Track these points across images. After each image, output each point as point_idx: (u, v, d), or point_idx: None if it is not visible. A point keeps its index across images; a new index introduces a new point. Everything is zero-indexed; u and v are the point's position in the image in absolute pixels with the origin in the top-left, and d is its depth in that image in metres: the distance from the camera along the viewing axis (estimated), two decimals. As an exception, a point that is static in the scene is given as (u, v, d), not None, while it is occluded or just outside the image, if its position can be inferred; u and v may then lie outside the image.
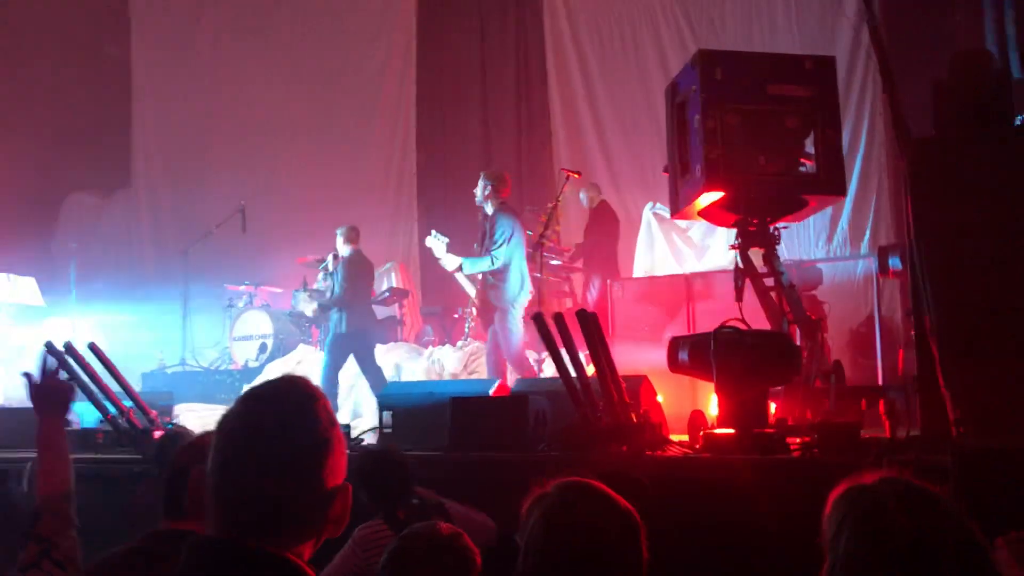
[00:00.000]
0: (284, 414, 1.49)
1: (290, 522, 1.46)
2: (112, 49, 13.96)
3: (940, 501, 1.75)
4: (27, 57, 12.39)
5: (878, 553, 1.70)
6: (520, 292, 7.12)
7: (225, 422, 1.50)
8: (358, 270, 8.18)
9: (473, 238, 9.87)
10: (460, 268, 7.13)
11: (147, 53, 13.97)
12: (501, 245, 7.00)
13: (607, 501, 1.91)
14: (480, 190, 7.17)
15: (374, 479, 3.40)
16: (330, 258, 8.44)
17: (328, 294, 8.47)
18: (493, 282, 7.07)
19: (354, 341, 7.83)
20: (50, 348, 5.27)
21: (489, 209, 7.18)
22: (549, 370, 7.13)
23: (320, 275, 10.41)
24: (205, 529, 1.48)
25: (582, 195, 9.64)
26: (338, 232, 8.33)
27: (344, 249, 8.20)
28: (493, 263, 6.99)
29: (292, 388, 1.54)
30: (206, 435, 2.30)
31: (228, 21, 13.48)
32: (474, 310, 7.59)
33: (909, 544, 1.68)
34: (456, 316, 10.09)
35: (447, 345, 9.19)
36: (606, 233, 9.47)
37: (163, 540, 2.17)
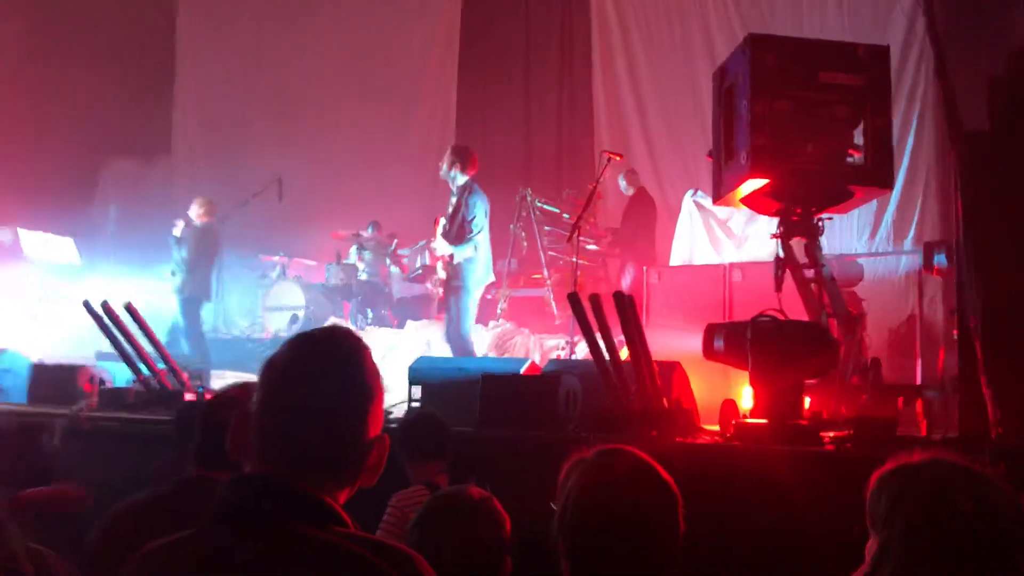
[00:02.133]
0: (333, 359, 1.50)
1: (330, 466, 1.46)
2: (157, 16, 14.05)
3: (991, 477, 1.77)
4: (71, 23, 12.51)
5: (940, 528, 1.69)
6: (484, 275, 7.12)
7: (275, 361, 1.51)
8: (207, 240, 9.24)
9: (506, 219, 9.88)
10: (451, 257, 7.06)
11: (192, 20, 14.06)
12: (480, 230, 6.96)
13: (647, 467, 1.87)
14: (446, 164, 7.10)
15: (416, 439, 3.48)
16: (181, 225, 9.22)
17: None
18: (461, 263, 7.04)
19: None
20: (87, 306, 5.34)
21: (458, 182, 7.10)
22: (581, 352, 7.10)
23: (352, 249, 10.45)
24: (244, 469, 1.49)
25: (621, 180, 9.57)
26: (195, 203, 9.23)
27: (197, 220, 9.21)
28: (476, 249, 6.97)
29: (341, 335, 1.55)
30: (238, 389, 2.29)
31: (273, -7, 13.52)
32: (441, 289, 7.59)
33: (969, 519, 1.69)
34: (488, 297, 10.09)
35: (478, 325, 9.17)
36: (643, 220, 9.39)
37: (190, 485, 2.17)
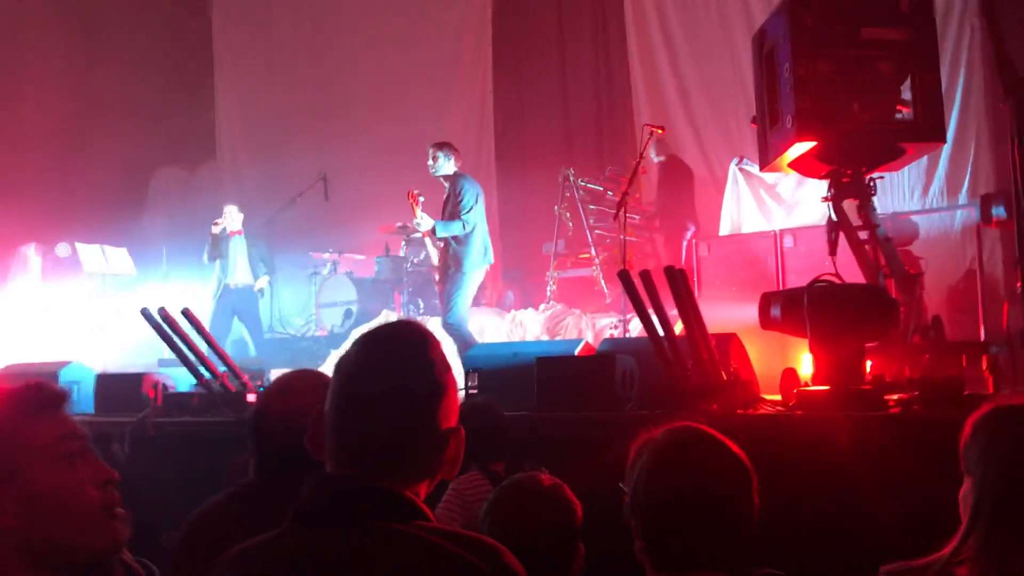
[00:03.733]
0: (402, 356, 1.51)
1: (408, 461, 1.48)
2: (194, 24, 14.24)
3: None
4: (112, 37, 12.74)
5: None
6: (482, 259, 7.18)
7: (344, 363, 1.53)
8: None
9: (549, 201, 9.85)
10: (433, 231, 7.11)
11: (227, 27, 14.20)
12: (470, 209, 7.03)
13: (718, 444, 1.84)
14: (431, 161, 7.27)
15: (473, 431, 3.43)
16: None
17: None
18: (455, 247, 7.07)
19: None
20: (146, 314, 5.43)
21: (447, 171, 7.25)
22: (634, 330, 7.06)
23: (403, 241, 10.52)
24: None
25: (650, 151, 9.45)
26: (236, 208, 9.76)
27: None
28: (464, 227, 7.03)
29: (407, 331, 1.56)
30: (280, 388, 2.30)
31: (306, -8, 13.59)
32: (435, 276, 7.66)
33: None
34: (537, 280, 10.09)
35: (529, 309, 9.18)
36: (678, 187, 9.25)
37: (259, 486, 2.20)
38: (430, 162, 7.32)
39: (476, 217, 7.13)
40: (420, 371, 1.51)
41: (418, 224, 7.32)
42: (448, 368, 1.56)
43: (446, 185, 7.35)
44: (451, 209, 7.18)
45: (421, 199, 7.42)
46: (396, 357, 1.51)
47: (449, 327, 7.06)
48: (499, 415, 3.67)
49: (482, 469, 3.45)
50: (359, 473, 1.45)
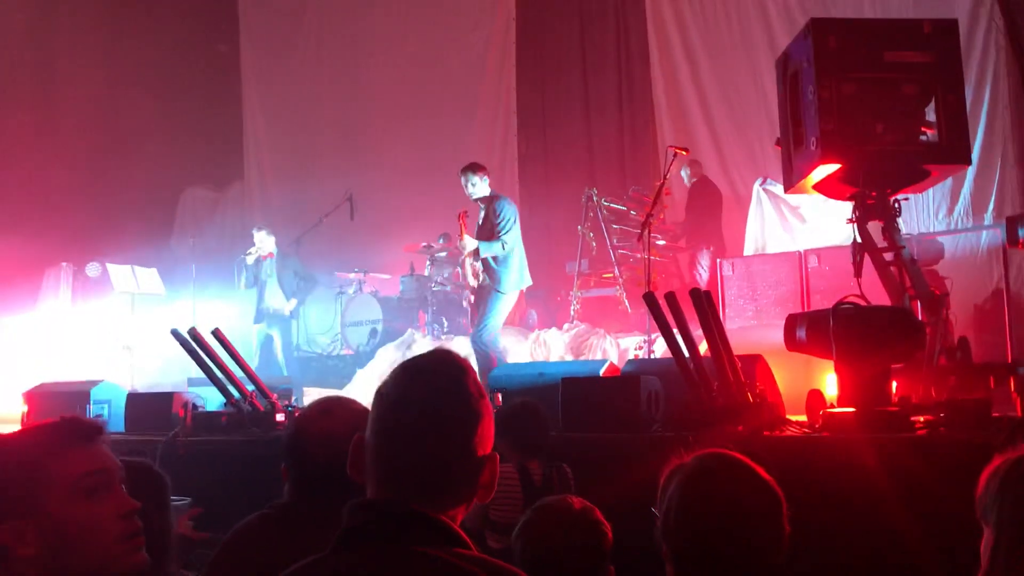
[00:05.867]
0: (440, 386, 1.56)
1: (445, 487, 1.54)
2: (222, 47, 14.45)
3: None
4: (142, 59, 12.94)
5: None
6: (519, 279, 7.19)
7: (384, 391, 1.58)
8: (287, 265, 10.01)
9: (573, 220, 9.88)
10: (477, 251, 7.13)
11: (254, 49, 14.41)
12: (509, 231, 7.03)
13: (748, 471, 1.87)
14: (466, 185, 7.26)
15: (516, 428, 3.70)
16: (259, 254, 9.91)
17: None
18: (493, 266, 7.08)
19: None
20: (176, 334, 5.51)
21: (483, 192, 7.25)
22: (659, 351, 7.06)
23: (427, 260, 10.59)
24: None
25: (683, 172, 9.52)
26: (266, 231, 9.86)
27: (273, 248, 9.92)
28: (504, 247, 7.03)
29: (446, 361, 1.61)
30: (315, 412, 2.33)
31: (331, 14, 13.75)
32: (472, 296, 7.67)
33: None
34: (560, 299, 10.10)
35: (552, 328, 9.20)
36: (708, 208, 9.31)
37: (290, 508, 2.23)
38: (467, 187, 7.30)
39: (514, 238, 7.14)
40: (458, 401, 1.56)
41: (463, 246, 7.34)
42: (484, 396, 1.61)
43: (482, 207, 7.35)
44: (489, 230, 7.18)
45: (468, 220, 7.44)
46: (435, 387, 1.56)
47: (478, 345, 7.09)
48: (539, 414, 3.82)
49: (517, 465, 3.64)
50: (399, 498, 1.51)
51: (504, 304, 7.18)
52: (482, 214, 7.35)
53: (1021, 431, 3.52)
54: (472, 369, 1.62)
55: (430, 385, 1.57)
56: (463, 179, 7.30)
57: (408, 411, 1.54)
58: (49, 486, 1.63)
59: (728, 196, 9.67)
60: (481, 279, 7.22)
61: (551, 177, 11.69)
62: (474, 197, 7.33)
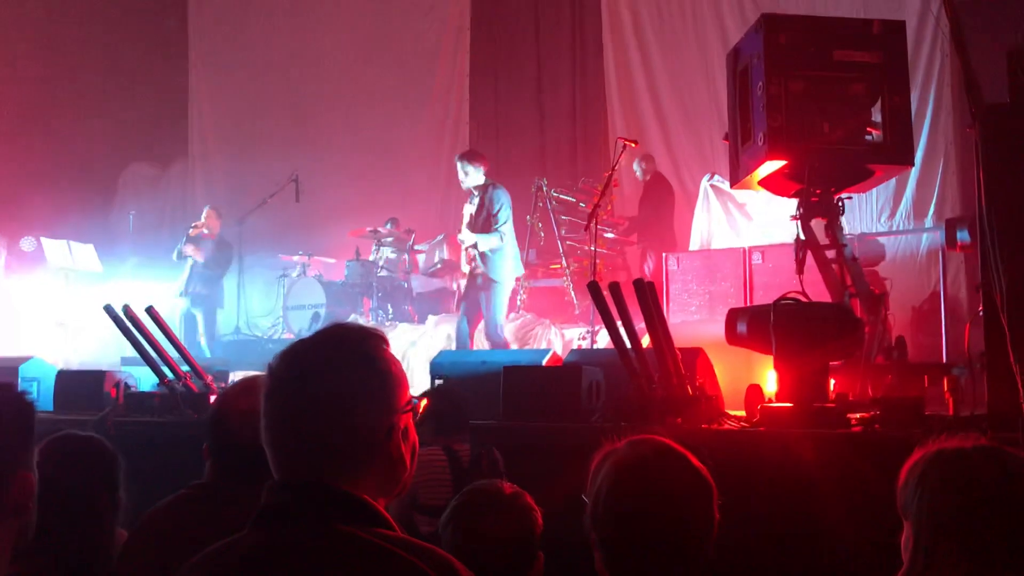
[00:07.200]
0: (323, 356, 1.52)
1: (350, 459, 1.48)
2: (170, 22, 14.13)
3: (1020, 457, 1.77)
4: (87, 32, 12.60)
5: (964, 511, 1.69)
6: (514, 268, 7.21)
7: (270, 369, 1.54)
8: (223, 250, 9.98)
9: (522, 211, 9.86)
10: (476, 244, 7.10)
11: (203, 26, 14.11)
12: (505, 221, 7.01)
13: (679, 458, 1.84)
14: (461, 173, 7.22)
15: (437, 412, 3.84)
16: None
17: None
18: (490, 256, 7.05)
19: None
20: (109, 311, 5.36)
21: (477, 181, 7.20)
22: (602, 342, 7.07)
23: (374, 246, 10.49)
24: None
25: (636, 167, 9.54)
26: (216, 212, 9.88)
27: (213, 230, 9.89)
28: (502, 239, 7.02)
29: (338, 331, 1.57)
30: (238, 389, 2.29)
31: (283, -7, 13.54)
32: (462, 283, 7.66)
33: (995, 499, 1.69)
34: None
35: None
36: (661, 205, 9.36)
37: (210, 488, 2.18)
38: (460, 175, 7.25)
39: (509, 228, 7.11)
40: (348, 369, 1.50)
41: (462, 240, 7.27)
42: (379, 362, 1.54)
43: (475, 195, 7.27)
44: (484, 220, 7.12)
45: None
46: (318, 357, 1.51)
47: (494, 339, 7.16)
48: (459, 396, 3.97)
49: (445, 447, 3.78)
50: (312, 477, 1.45)
51: (505, 294, 7.19)
52: (475, 203, 7.26)
53: (952, 430, 3.58)
54: (373, 336, 1.56)
55: (315, 355, 1.52)
56: (458, 165, 7.25)
57: (292, 385, 1.49)
58: None
59: (676, 191, 9.72)
60: (478, 269, 7.15)
61: (502, 167, 11.60)
62: (465, 185, 7.28)
